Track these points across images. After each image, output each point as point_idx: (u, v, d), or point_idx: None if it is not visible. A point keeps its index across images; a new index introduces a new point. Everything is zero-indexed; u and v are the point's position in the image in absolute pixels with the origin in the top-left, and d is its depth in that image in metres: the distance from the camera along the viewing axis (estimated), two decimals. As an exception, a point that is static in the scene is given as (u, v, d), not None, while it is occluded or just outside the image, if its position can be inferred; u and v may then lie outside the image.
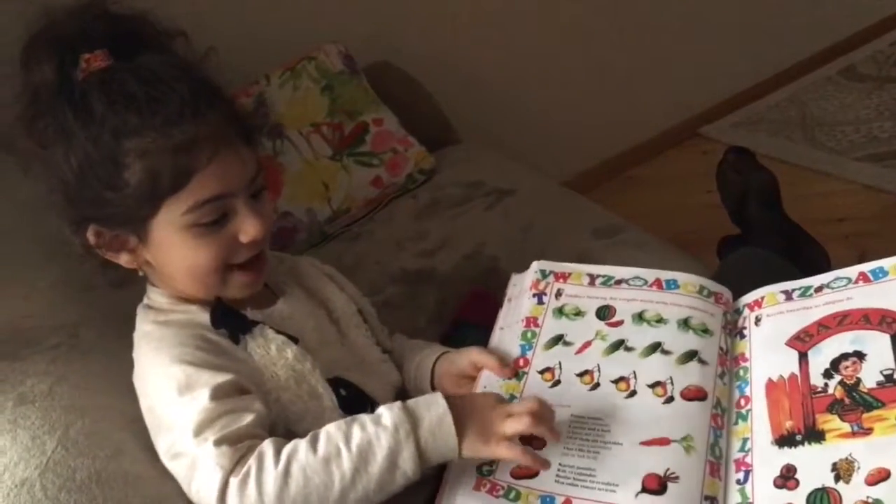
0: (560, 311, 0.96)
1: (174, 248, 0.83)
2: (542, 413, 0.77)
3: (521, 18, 2.22)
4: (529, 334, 0.95)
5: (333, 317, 0.98)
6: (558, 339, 0.93)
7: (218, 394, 0.77)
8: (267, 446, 0.75)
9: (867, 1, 2.77)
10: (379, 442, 0.74)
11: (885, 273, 0.82)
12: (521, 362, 0.93)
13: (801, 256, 1.47)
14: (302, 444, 0.75)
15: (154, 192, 0.79)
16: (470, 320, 1.26)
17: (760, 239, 1.52)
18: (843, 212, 2.05)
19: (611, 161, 2.53)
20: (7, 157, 0.87)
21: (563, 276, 0.99)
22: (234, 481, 0.73)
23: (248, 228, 0.83)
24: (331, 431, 0.76)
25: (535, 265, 1.01)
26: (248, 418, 0.77)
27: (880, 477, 0.67)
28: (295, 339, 0.87)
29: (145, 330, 0.87)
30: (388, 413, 0.76)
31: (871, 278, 0.83)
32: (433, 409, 0.76)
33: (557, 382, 0.88)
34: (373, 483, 0.73)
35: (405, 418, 0.75)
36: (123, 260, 0.86)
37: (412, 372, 1.02)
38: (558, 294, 0.98)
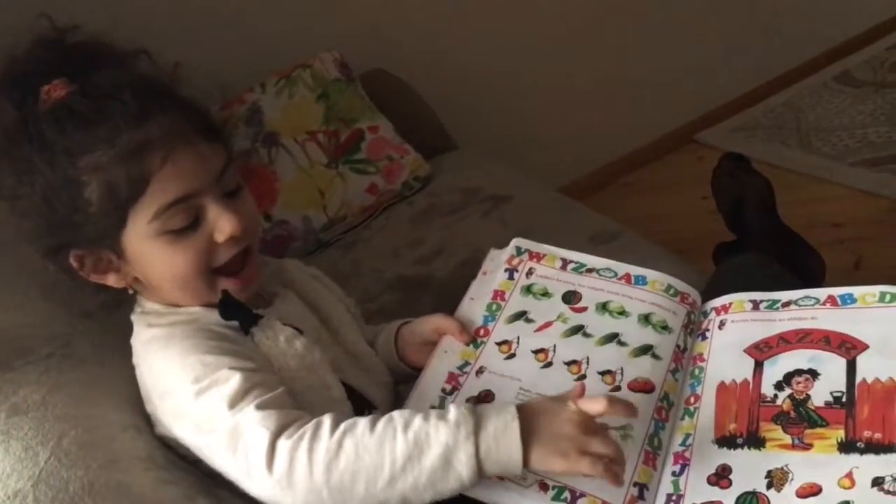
0: (528, 290, 0.98)
1: (152, 259, 0.82)
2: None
3: (517, 26, 2.23)
4: (494, 306, 0.97)
5: (322, 316, 0.97)
6: (521, 315, 0.95)
7: (244, 370, 0.77)
8: (327, 417, 0.73)
9: (862, 6, 2.77)
10: (437, 435, 0.71)
11: (854, 300, 0.84)
12: (482, 332, 0.95)
13: (796, 262, 1.47)
14: (361, 421, 0.73)
15: (116, 204, 0.78)
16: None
17: (756, 244, 1.53)
18: (838, 217, 2.05)
19: (607, 167, 2.53)
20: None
21: (538, 257, 1.02)
22: (285, 443, 0.71)
23: (222, 225, 0.81)
24: (394, 415, 0.74)
25: (514, 242, 1.04)
26: (279, 389, 0.78)
27: (811, 491, 0.69)
28: (300, 331, 0.86)
29: (148, 335, 0.85)
30: (454, 410, 0.73)
31: (839, 303, 0.84)
32: (502, 415, 0.72)
33: (513, 356, 0.91)
34: (424, 477, 0.70)
35: (469, 418, 0.71)
36: (112, 280, 0.85)
37: (378, 347, 1.03)
38: (529, 272, 1.00)
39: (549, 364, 0.88)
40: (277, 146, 1.69)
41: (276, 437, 0.72)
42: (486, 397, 0.86)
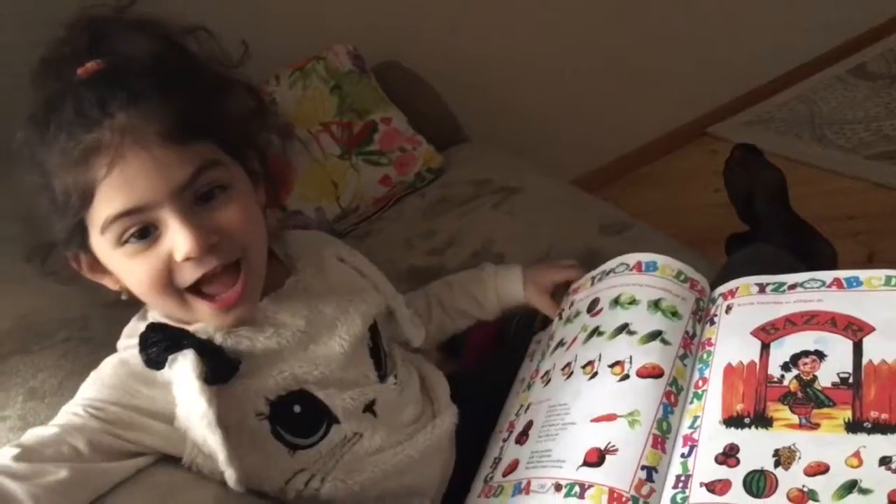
0: (567, 319, 1.00)
1: (117, 269, 0.76)
2: None
3: (529, 18, 2.23)
4: (546, 347, 1.00)
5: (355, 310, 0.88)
6: (559, 344, 0.97)
7: (84, 415, 0.73)
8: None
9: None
10: None
11: (860, 283, 0.83)
12: (534, 374, 0.97)
13: (809, 254, 1.47)
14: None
15: (70, 211, 0.72)
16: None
17: (768, 236, 1.52)
18: (852, 210, 2.04)
19: (619, 160, 2.53)
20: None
21: (576, 290, 1.05)
22: None
23: (177, 244, 0.72)
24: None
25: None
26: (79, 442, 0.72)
27: (819, 470, 0.69)
28: (234, 363, 0.77)
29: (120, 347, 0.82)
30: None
31: (845, 285, 0.84)
32: None
33: (549, 381, 0.92)
34: None
35: None
36: (108, 282, 0.80)
37: (488, 284, 1.08)
38: (571, 305, 1.03)
39: (571, 374, 0.89)
40: (291, 138, 1.70)
41: None
42: (527, 428, 0.88)
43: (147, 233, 0.73)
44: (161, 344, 0.75)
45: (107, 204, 0.71)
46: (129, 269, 0.75)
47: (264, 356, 0.80)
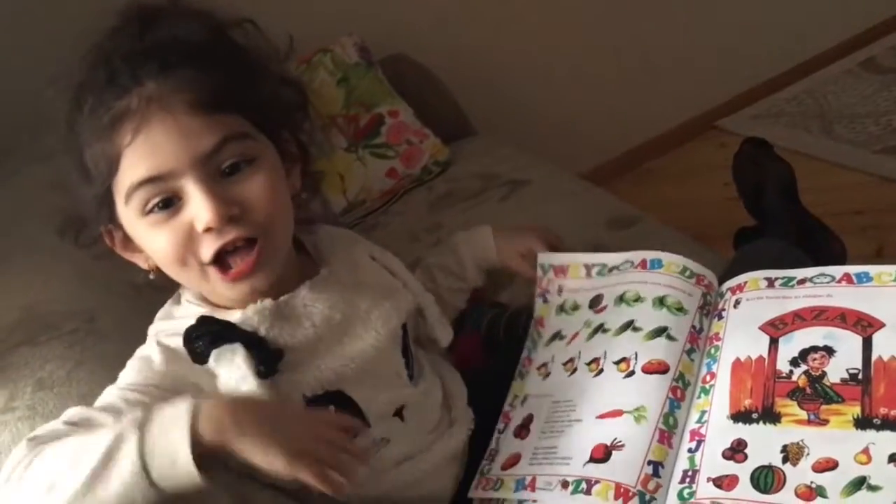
0: (561, 308, 0.99)
1: (142, 242, 0.77)
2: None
3: (537, 11, 2.22)
4: (535, 335, 0.99)
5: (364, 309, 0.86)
6: (556, 335, 0.96)
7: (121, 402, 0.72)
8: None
9: (888, -8, 2.74)
10: (107, 431, 0.64)
11: (870, 279, 0.83)
12: (527, 363, 0.97)
13: (817, 248, 1.46)
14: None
15: (98, 179, 0.73)
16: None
17: (776, 230, 1.51)
18: (860, 204, 2.03)
19: (628, 154, 2.52)
20: (33, 143, 0.86)
21: (563, 270, 1.01)
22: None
23: (197, 213, 0.72)
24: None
25: (539, 259, 1.03)
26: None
27: (827, 466, 0.69)
28: (278, 354, 0.77)
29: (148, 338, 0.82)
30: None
31: (855, 281, 0.83)
32: (177, 405, 0.64)
33: (548, 374, 0.92)
34: (85, 478, 0.61)
35: (143, 412, 0.64)
36: (140, 260, 0.80)
37: (462, 253, 1.05)
38: (560, 291, 1.01)
39: (575, 370, 0.89)
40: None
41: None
42: (528, 422, 0.87)
43: (170, 203, 0.73)
44: (206, 337, 0.75)
45: (131, 170, 0.72)
46: (151, 239, 0.75)
47: (303, 349, 0.80)
